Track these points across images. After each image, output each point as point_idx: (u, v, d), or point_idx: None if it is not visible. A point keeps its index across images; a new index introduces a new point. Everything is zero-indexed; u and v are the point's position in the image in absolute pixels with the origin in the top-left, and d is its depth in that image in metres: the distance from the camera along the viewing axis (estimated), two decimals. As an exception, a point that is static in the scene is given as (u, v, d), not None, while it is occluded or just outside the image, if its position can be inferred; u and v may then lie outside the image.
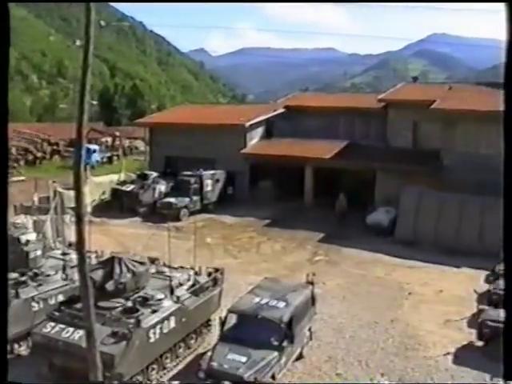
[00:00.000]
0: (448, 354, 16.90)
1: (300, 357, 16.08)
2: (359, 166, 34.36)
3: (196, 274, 17.32)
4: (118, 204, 35.04)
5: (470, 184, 29.65)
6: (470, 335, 18.01)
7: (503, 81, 3.94)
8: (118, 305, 14.48)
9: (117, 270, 15.10)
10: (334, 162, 34.79)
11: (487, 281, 23.27)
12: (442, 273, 24.73)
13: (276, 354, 14.01)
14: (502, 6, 7.15)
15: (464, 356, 16.75)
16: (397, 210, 30.51)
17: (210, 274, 17.49)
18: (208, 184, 35.29)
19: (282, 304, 15.23)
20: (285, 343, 14.43)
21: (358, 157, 34.61)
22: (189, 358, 16.05)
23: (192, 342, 16.38)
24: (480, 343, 17.38)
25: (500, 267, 22.27)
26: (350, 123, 39.07)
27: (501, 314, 17.52)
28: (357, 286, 22.51)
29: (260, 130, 40.32)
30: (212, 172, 35.98)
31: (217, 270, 17.76)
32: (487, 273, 23.89)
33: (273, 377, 13.78)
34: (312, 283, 17.48)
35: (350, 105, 40.41)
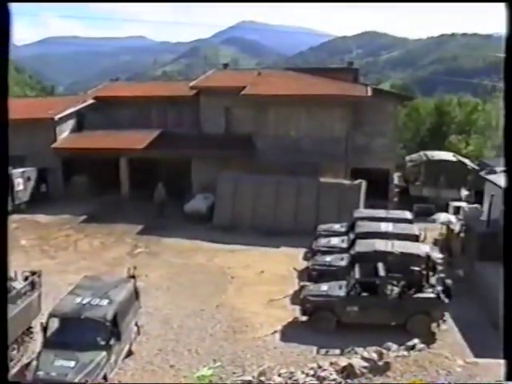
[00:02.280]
0: (275, 332, 17.38)
1: (130, 353, 15.67)
2: (174, 155, 34.14)
3: (11, 279, 16.21)
4: None
5: (283, 166, 30.67)
6: (294, 312, 18.67)
7: (503, 81, 3.74)
8: None
9: None
10: (148, 152, 34.27)
11: (305, 258, 24.27)
12: (262, 254, 25.29)
13: (104, 353, 13.51)
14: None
15: (290, 332, 17.33)
16: (214, 197, 30.76)
17: (26, 278, 16.46)
18: (19, 183, 33.17)
19: (104, 302, 14.70)
20: (112, 341, 13.97)
21: (172, 145, 34.36)
22: (13, 371, 15.00)
23: (14, 352, 15.31)
24: (304, 318, 18.05)
25: (316, 244, 23.29)
26: (163, 112, 38.69)
27: (321, 288, 18.32)
28: (180, 276, 22.40)
29: (71, 123, 38.66)
30: (22, 170, 33.84)
31: (34, 273, 16.77)
32: (305, 250, 24.91)
33: (104, 377, 13.30)
34: (134, 277, 17.08)
35: (161, 93, 40.00)
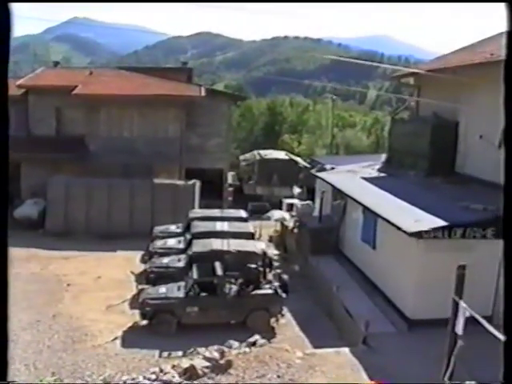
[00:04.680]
0: (116, 338, 16.96)
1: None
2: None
3: None
4: None
5: (117, 168, 30.15)
6: (134, 316, 18.36)
7: (503, 81, 3.67)
8: None
9: None
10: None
11: (143, 260, 23.97)
12: (98, 259, 24.66)
13: None
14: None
15: (131, 338, 17.01)
16: (46, 201, 29.55)
17: None
18: None
19: None
20: None
21: (-2, 148, 32.48)
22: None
23: None
24: (144, 322, 17.82)
25: (153, 246, 23.07)
26: (-12, 113, 36.46)
27: (159, 290, 18.19)
28: (12, 286, 20.77)
29: None
30: None
31: None
32: (142, 253, 24.60)
33: None
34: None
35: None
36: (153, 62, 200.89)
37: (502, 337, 10.09)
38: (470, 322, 10.39)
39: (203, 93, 32.97)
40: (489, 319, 14.27)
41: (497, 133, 17.97)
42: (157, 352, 15.96)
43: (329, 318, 19.28)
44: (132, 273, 22.48)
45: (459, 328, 10.64)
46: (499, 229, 16.88)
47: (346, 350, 15.74)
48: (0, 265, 3.07)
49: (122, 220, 28.38)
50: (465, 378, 11.46)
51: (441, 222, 16.68)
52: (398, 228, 17.08)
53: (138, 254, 24.90)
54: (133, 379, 13.72)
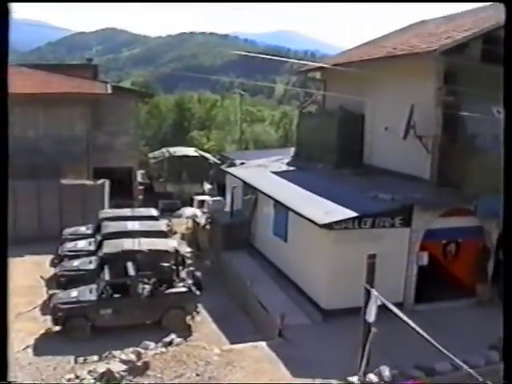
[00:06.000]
0: (27, 347, 16.30)
1: None
2: None
3: None
4: None
5: (22, 169, 29.02)
6: (46, 322, 17.77)
7: (503, 80, 3.60)
8: None
9: None
10: None
11: (53, 264, 23.23)
12: (5, 264, 23.71)
13: None
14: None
15: (44, 345, 16.44)
16: None
17: None
18: None
19: None
20: None
21: None
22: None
23: None
24: (57, 328, 17.31)
25: (63, 248, 22.42)
26: None
27: (71, 294, 17.70)
28: None
29: None
30: None
31: None
32: (52, 256, 23.88)
33: None
34: None
35: None
36: (57, 58, 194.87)
37: (411, 322, 10.35)
38: (384, 308, 10.64)
39: (109, 90, 32.30)
40: (400, 305, 14.77)
41: (401, 124, 18.48)
42: (72, 358, 15.53)
43: (244, 312, 19.36)
44: (42, 278, 21.71)
45: (371, 316, 10.89)
46: (406, 217, 17.43)
47: (263, 343, 15.82)
48: (0, 267, 3.04)
49: (29, 223, 27.36)
50: (380, 364, 11.76)
51: (350, 213, 17.00)
52: (309, 220, 17.29)
53: (47, 258, 24.13)
54: (48, 388, 13.33)
